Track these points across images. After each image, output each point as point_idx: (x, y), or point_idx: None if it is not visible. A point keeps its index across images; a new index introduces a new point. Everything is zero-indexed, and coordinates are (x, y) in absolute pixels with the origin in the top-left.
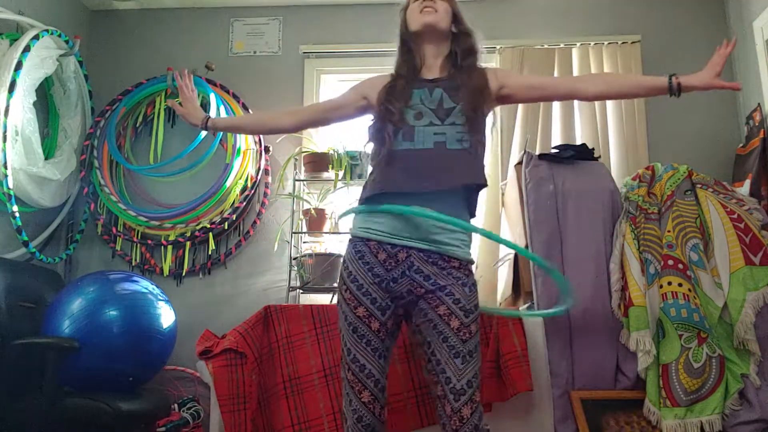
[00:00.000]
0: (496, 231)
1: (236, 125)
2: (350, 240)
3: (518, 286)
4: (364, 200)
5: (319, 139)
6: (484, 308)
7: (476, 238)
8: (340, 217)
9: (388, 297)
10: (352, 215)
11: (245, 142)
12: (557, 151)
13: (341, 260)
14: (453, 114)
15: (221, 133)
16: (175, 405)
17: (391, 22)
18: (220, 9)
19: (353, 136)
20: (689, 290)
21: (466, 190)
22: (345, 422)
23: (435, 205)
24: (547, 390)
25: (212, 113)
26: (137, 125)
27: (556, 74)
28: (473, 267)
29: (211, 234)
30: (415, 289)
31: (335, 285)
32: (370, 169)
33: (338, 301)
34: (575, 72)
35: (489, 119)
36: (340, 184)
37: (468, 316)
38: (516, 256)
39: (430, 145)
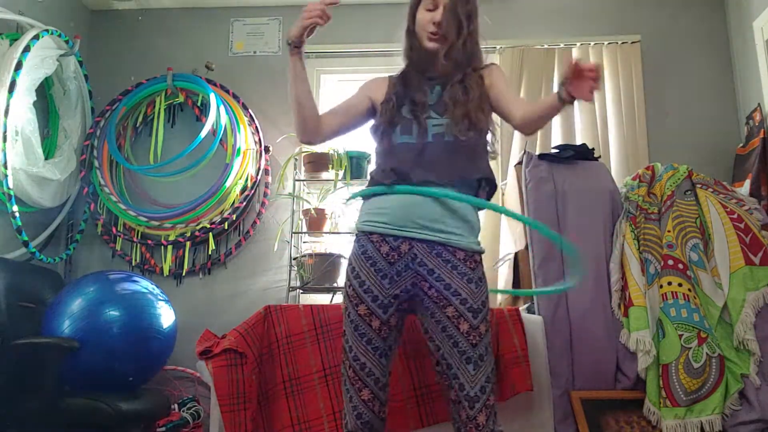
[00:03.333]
0: (495, 231)
1: (302, 94)
2: (355, 236)
3: (518, 287)
4: (368, 191)
5: None
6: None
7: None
8: (349, 199)
9: (391, 294)
10: (359, 202)
11: (245, 142)
12: (557, 151)
13: (348, 258)
14: (449, 109)
15: (221, 132)
16: (175, 405)
17: (390, 22)
18: (220, 9)
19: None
20: (689, 290)
21: (465, 184)
22: (344, 418)
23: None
24: (547, 390)
25: (212, 113)
26: (137, 125)
27: (556, 74)
28: (480, 257)
29: (211, 234)
30: (419, 283)
31: (335, 285)
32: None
33: (343, 298)
34: None
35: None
36: (340, 184)
37: (476, 316)
38: (516, 256)
39: (429, 138)
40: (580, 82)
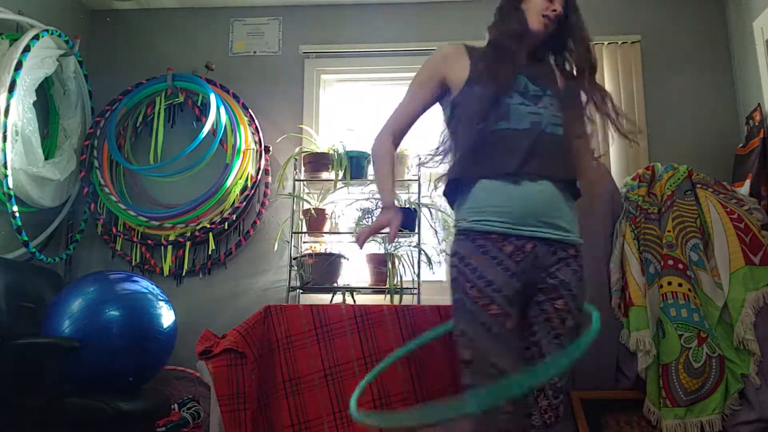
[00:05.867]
0: None
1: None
2: (464, 233)
3: None
4: (453, 182)
5: (319, 139)
6: None
7: None
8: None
9: (517, 293)
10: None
11: (245, 142)
12: None
13: (456, 257)
14: (546, 98)
15: (221, 132)
16: (175, 405)
17: (391, 22)
18: (220, 9)
19: (353, 136)
20: (689, 290)
21: (566, 183)
22: None
23: (538, 191)
24: None
25: (212, 113)
26: (137, 125)
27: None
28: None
29: (211, 234)
30: (538, 283)
31: (335, 285)
32: (444, 149)
33: (458, 301)
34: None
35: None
36: (340, 184)
37: (579, 312)
38: None
39: (526, 125)
40: None
